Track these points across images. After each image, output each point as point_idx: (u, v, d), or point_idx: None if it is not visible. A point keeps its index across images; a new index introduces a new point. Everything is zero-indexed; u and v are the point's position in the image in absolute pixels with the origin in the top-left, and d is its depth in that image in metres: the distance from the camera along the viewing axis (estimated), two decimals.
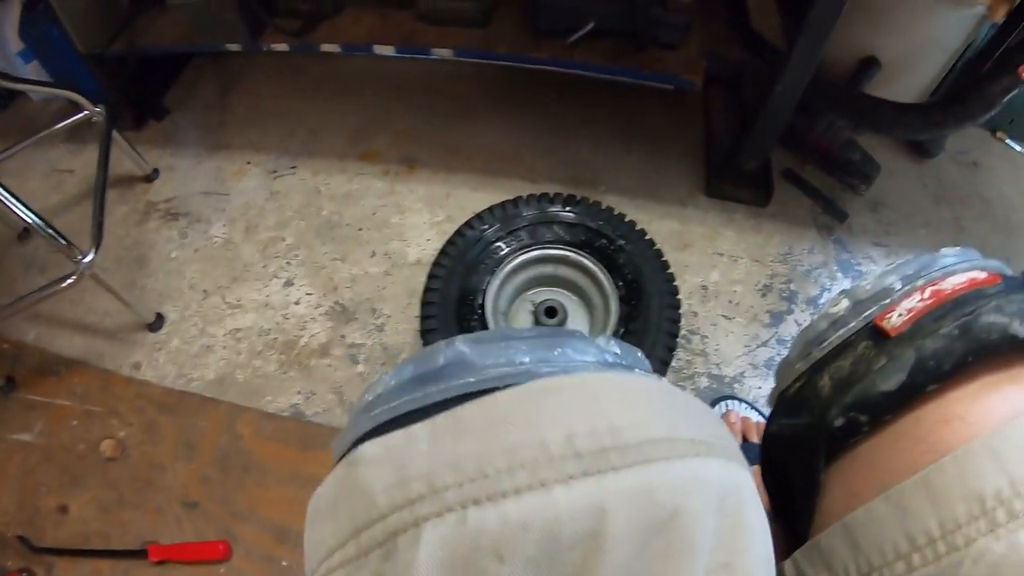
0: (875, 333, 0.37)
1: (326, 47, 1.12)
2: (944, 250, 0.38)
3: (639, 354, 0.34)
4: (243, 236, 1.21)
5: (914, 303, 0.36)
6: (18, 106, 1.55)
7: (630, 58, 1.05)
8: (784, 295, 1.07)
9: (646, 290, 0.86)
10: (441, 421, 0.26)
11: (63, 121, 1.24)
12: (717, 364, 0.99)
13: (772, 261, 1.11)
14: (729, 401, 0.94)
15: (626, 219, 0.94)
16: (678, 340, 0.97)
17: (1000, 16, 0.90)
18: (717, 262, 1.11)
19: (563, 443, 0.24)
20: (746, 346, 1.02)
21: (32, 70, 1.45)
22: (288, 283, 1.14)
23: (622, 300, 0.86)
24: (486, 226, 0.91)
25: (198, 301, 1.13)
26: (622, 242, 0.90)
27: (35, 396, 1.08)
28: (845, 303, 0.40)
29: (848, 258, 1.12)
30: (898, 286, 0.38)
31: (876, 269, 0.39)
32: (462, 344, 0.30)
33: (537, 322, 0.89)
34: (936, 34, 1.00)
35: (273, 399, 1.01)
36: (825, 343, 0.39)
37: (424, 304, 0.88)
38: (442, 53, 1.06)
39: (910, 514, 0.32)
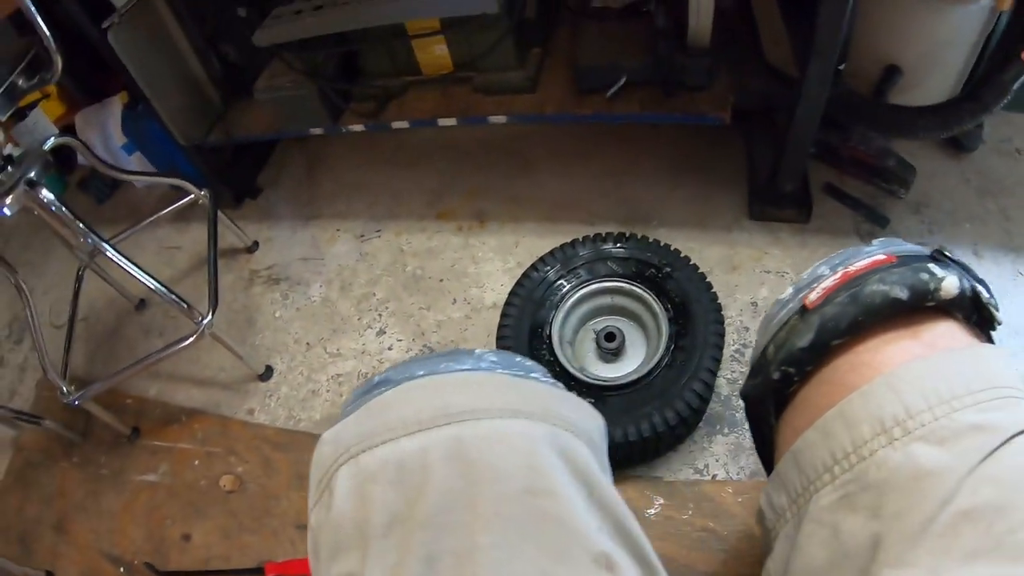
0: (802, 308, 0.51)
1: (396, 124, 1.38)
2: (872, 242, 0.53)
3: (517, 359, 0.52)
4: (339, 294, 1.47)
5: (828, 283, 0.50)
6: (122, 193, 1.88)
7: (663, 103, 1.24)
8: None
9: (692, 310, 1.05)
10: (359, 412, 0.46)
11: (171, 205, 1.48)
12: None
13: None
14: None
15: (671, 248, 1.12)
16: (731, 354, 1.16)
17: (1008, 5, 0.95)
18: (765, 279, 1.27)
19: (413, 415, 0.44)
20: None
21: (135, 160, 1.75)
22: (381, 332, 1.38)
23: (671, 320, 1.05)
24: (548, 268, 1.13)
25: (303, 353, 1.38)
26: (668, 269, 1.09)
27: (159, 442, 1.29)
28: (790, 290, 0.55)
29: None
30: (827, 272, 0.52)
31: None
32: (389, 369, 0.50)
33: (599, 347, 1.10)
34: (949, 32, 1.05)
35: None
36: (775, 321, 0.54)
37: (499, 339, 1.10)
38: (498, 119, 1.30)
39: (831, 437, 0.45)
